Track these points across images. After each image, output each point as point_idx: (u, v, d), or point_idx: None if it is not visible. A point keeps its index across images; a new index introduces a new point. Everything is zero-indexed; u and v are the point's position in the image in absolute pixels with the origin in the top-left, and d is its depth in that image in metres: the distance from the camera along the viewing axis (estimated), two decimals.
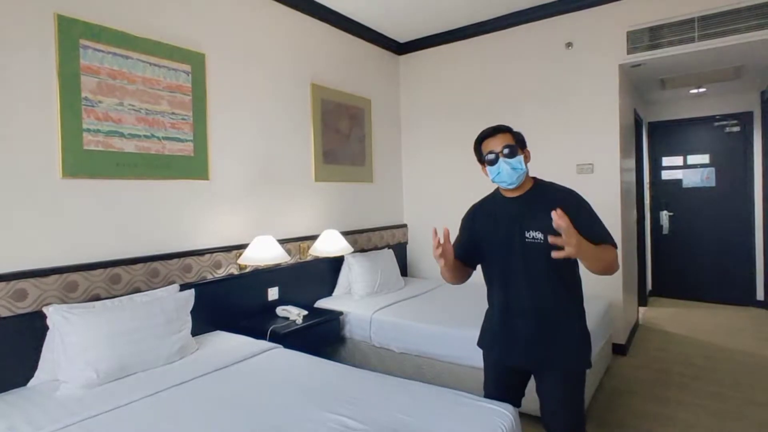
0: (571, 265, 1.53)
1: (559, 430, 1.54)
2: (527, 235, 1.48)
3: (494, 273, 1.60)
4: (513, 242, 1.51)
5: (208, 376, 1.87)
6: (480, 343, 1.71)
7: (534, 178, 1.60)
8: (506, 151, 1.48)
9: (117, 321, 1.90)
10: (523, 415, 1.75)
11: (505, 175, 1.49)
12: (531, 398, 1.72)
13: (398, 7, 3.43)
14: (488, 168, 1.53)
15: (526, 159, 1.55)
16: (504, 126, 1.56)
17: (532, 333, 1.51)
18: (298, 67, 3.25)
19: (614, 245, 1.46)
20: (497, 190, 1.64)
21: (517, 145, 1.52)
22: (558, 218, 1.26)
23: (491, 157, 1.50)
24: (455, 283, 1.66)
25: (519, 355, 1.55)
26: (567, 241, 1.27)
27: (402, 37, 4.11)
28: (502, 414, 1.50)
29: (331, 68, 3.54)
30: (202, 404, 1.63)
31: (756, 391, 2.77)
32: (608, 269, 1.43)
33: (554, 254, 1.31)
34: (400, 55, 4.31)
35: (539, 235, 1.46)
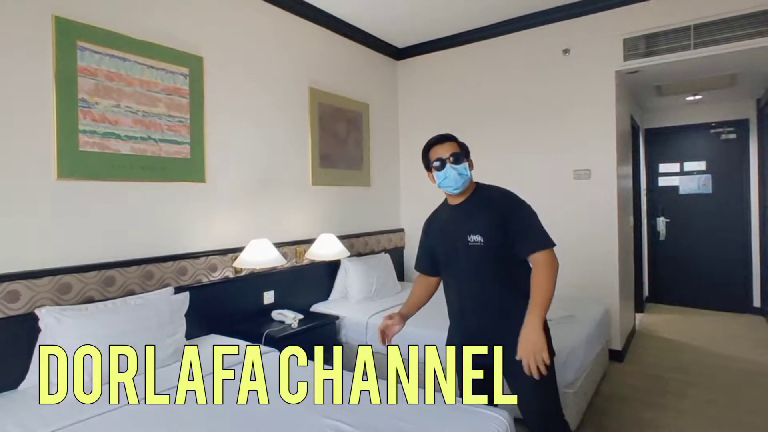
0: (515, 264, 1.57)
1: (535, 421, 1.57)
2: (469, 239, 1.56)
3: (448, 277, 1.70)
4: (459, 247, 1.59)
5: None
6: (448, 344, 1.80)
7: (476, 183, 1.67)
8: (452, 158, 1.57)
9: (110, 323, 1.88)
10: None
11: (451, 180, 1.57)
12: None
13: (397, 12, 3.45)
14: (435, 173, 1.61)
15: (470, 167, 1.63)
16: (450, 135, 1.66)
17: (491, 330, 1.58)
18: (296, 71, 3.25)
19: (549, 246, 1.50)
20: (446, 200, 1.73)
21: (462, 153, 1.61)
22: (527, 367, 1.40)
23: (438, 163, 1.59)
24: (429, 299, 1.88)
25: (483, 353, 1.60)
26: (531, 364, 1.39)
27: (400, 43, 4.13)
28: (498, 420, 1.49)
29: (329, 72, 3.55)
30: (195, 408, 1.62)
31: (752, 398, 2.77)
32: (555, 276, 1.48)
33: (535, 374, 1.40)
34: (398, 60, 4.32)
35: (479, 239, 1.54)
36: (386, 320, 1.76)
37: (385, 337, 1.75)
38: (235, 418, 1.54)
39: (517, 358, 1.42)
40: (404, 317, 1.80)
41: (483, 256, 1.55)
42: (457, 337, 1.69)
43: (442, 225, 1.69)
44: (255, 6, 2.96)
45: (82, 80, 2.08)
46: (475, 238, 1.54)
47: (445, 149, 1.60)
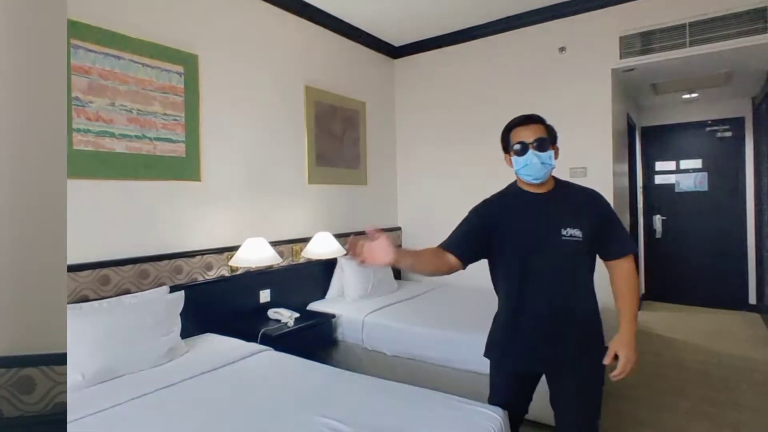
0: (593, 263, 1.49)
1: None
2: (564, 232, 1.40)
3: (513, 271, 1.46)
4: (544, 239, 1.42)
5: (197, 379, 1.85)
6: (488, 354, 1.59)
7: (552, 176, 1.51)
8: (537, 143, 1.40)
9: (105, 323, 1.88)
10: (528, 422, 1.72)
11: (533, 168, 1.40)
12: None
13: (393, 11, 3.44)
14: (514, 158, 1.44)
15: (556, 155, 1.46)
16: (538, 116, 1.49)
17: (556, 333, 1.43)
18: (292, 70, 3.24)
19: (635, 251, 1.49)
20: (513, 186, 1.55)
21: (549, 139, 1.44)
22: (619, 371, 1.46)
23: (519, 147, 1.42)
24: (429, 273, 1.54)
25: (538, 359, 1.47)
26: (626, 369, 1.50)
27: (397, 41, 4.12)
28: (492, 417, 1.49)
29: (325, 71, 3.54)
30: (190, 407, 1.61)
31: (750, 395, 2.78)
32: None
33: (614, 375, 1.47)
34: (395, 58, 4.32)
35: (577, 233, 1.39)
36: (381, 236, 1.38)
37: (357, 250, 1.39)
38: (231, 417, 1.53)
39: (606, 362, 1.44)
40: (398, 257, 1.40)
41: (576, 252, 1.41)
42: (512, 348, 1.50)
43: (517, 212, 1.48)
44: (251, 4, 2.94)
45: (76, 79, 2.06)
46: (573, 232, 1.39)
47: (529, 132, 1.42)
